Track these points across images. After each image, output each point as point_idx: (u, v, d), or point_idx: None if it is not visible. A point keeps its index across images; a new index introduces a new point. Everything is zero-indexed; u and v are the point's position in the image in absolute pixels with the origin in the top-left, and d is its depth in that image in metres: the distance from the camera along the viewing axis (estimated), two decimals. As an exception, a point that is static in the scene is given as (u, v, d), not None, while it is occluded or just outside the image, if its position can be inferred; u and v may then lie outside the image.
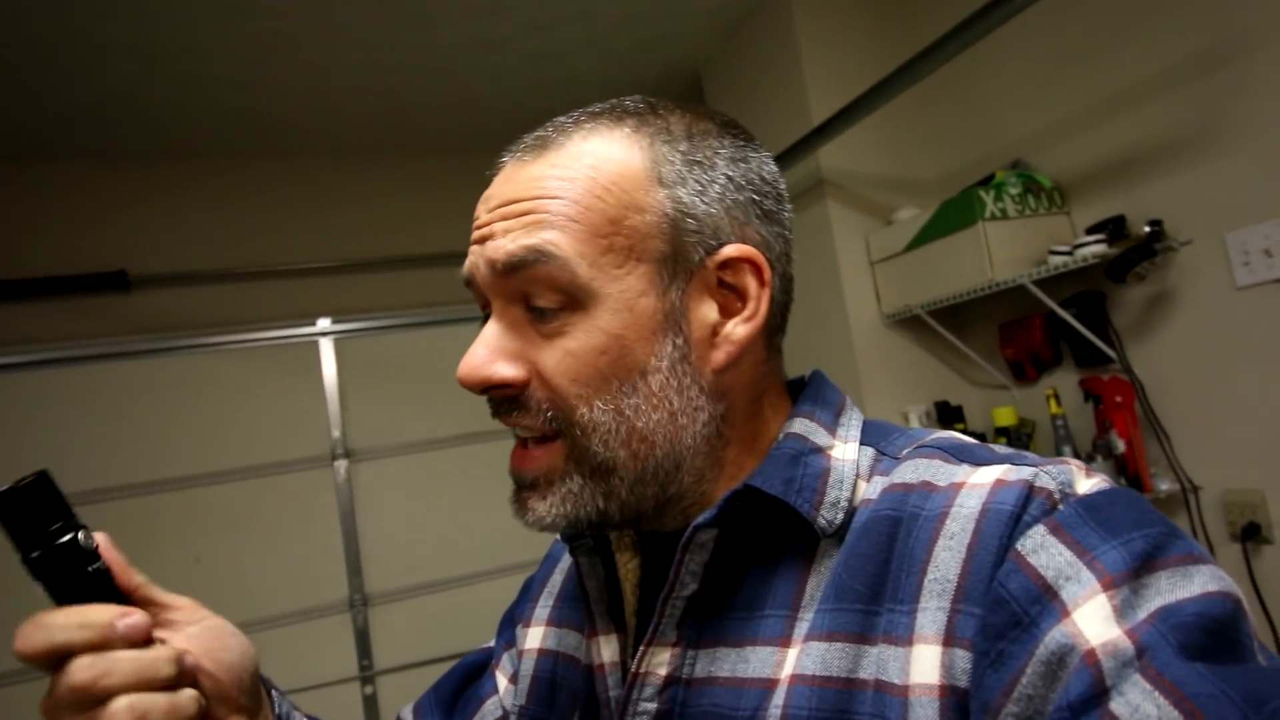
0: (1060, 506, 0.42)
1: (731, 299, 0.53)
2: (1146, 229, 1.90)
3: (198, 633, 0.53)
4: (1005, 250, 2.12)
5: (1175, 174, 1.91)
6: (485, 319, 0.52)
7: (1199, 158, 1.85)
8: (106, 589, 0.48)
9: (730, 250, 0.52)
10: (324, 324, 2.99)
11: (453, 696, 0.73)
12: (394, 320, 3.09)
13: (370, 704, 2.89)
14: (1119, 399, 2.07)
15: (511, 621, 0.72)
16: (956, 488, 0.45)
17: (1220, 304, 1.84)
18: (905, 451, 0.51)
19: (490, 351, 0.50)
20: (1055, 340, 2.25)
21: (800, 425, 0.53)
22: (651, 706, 0.49)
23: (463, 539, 3.07)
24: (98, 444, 2.72)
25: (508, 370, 0.49)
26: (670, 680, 0.49)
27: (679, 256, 0.50)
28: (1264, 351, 1.77)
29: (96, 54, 2.28)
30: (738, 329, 0.52)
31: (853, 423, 0.55)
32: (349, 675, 2.87)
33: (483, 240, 0.50)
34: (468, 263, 0.52)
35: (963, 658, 0.40)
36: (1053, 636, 0.37)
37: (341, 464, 2.96)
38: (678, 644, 0.50)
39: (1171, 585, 0.38)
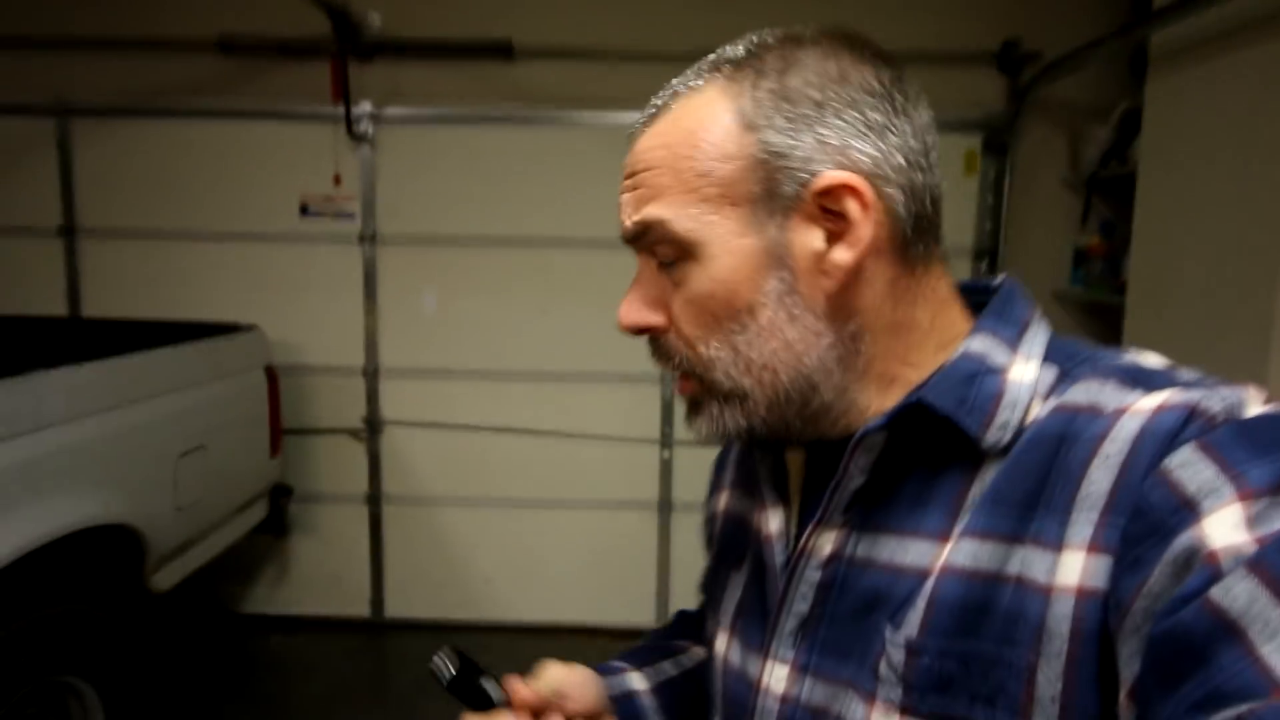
0: (1218, 428, 0.43)
1: (841, 224, 0.53)
2: None
3: (578, 698, 0.65)
4: None
5: None
6: None
7: None
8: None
9: (825, 179, 0.51)
10: (673, 110, 3.04)
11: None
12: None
13: (666, 468, 3.24)
14: None
15: (714, 473, 0.80)
16: (1121, 413, 0.46)
17: None
18: (1084, 372, 0.51)
19: (634, 301, 0.58)
20: None
21: (979, 343, 0.54)
22: (816, 576, 0.55)
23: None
24: (471, 198, 3.13)
25: (652, 317, 0.57)
26: (834, 557, 0.55)
27: (772, 194, 0.52)
28: None
29: None
30: (841, 255, 0.52)
31: (1037, 340, 0.55)
32: (653, 438, 3.22)
33: (620, 206, 0.57)
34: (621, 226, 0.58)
35: (1104, 564, 0.43)
36: (1181, 541, 0.40)
37: (670, 250, 3.13)
38: (844, 527, 0.55)
39: None
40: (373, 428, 3.20)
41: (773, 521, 0.61)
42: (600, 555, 3.28)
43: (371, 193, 3.11)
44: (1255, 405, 0.44)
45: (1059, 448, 0.47)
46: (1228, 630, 0.36)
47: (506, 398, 3.19)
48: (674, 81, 0.57)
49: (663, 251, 0.55)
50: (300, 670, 2.96)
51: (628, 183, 0.56)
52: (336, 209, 3.10)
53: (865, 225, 0.52)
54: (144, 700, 2.23)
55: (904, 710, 0.48)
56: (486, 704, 0.61)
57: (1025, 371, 0.52)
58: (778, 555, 0.59)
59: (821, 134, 0.51)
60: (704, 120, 0.53)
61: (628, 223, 0.56)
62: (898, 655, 0.49)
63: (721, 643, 0.63)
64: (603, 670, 0.74)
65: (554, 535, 3.27)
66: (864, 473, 0.54)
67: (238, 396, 2.68)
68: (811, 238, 0.52)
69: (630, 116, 2.86)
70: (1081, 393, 0.49)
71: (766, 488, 0.62)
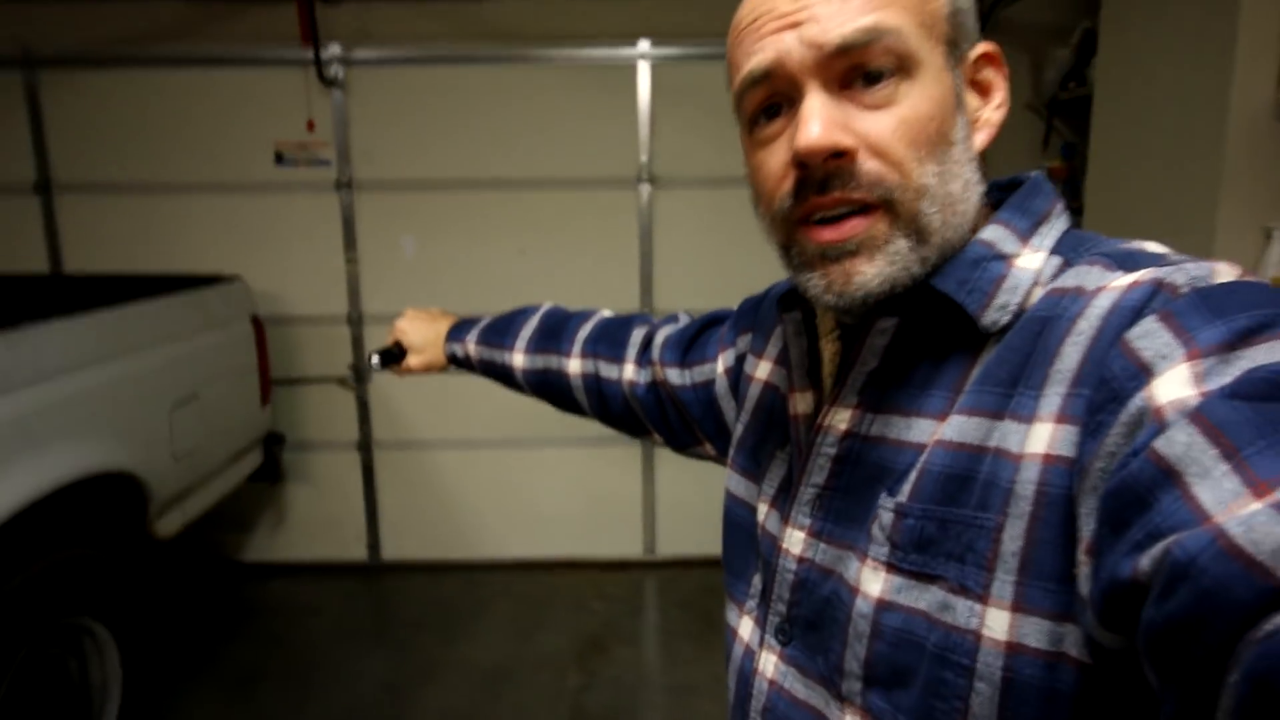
0: (1180, 298, 0.44)
1: (978, 92, 0.58)
2: None
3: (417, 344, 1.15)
4: None
5: None
6: (767, 113, 0.56)
7: None
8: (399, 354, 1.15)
9: (983, 46, 0.57)
10: (644, 46, 3.05)
11: (691, 340, 0.90)
12: (712, 48, 3.05)
13: (648, 402, 3.32)
14: None
15: (748, 322, 0.82)
16: (1098, 291, 0.49)
17: None
18: (1082, 259, 0.53)
19: (828, 122, 0.51)
20: None
21: (992, 232, 0.56)
22: (832, 451, 0.60)
23: (744, 276, 3.21)
24: (446, 141, 3.13)
25: (847, 138, 0.52)
26: (848, 434, 0.59)
27: (955, 44, 0.55)
28: None
29: None
30: (994, 114, 0.58)
31: (1050, 232, 0.57)
32: (633, 374, 3.29)
33: (795, 25, 0.52)
34: (771, 52, 0.53)
35: (1070, 432, 0.46)
36: (1135, 402, 0.41)
37: (645, 188, 3.16)
38: (858, 407, 0.59)
39: (1269, 353, 0.39)
40: (360, 375, 3.24)
41: (800, 404, 0.65)
42: (588, 491, 3.38)
43: (345, 138, 3.09)
44: (1224, 276, 0.45)
45: (1043, 328, 0.50)
46: (1167, 475, 0.37)
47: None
48: None
49: (880, 62, 0.52)
50: (300, 612, 3.05)
51: None
52: (311, 156, 3.09)
53: (1006, 92, 0.58)
54: (154, 640, 2.29)
55: (889, 567, 0.53)
56: (399, 358, 1.13)
57: (1032, 260, 0.55)
58: (803, 434, 0.64)
59: (971, 6, 0.57)
60: None
61: (846, 29, 0.51)
62: (887, 518, 0.53)
63: (762, 512, 0.67)
64: (453, 335, 1.12)
65: (543, 473, 3.35)
66: (877, 356, 0.58)
67: (226, 346, 2.71)
68: (969, 95, 0.57)
69: (602, 52, 2.88)
70: (1073, 276, 0.52)
71: (798, 372, 0.66)
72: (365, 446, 3.30)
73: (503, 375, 1.08)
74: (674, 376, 0.89)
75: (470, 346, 1.09)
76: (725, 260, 3.21)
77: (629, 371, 0.94)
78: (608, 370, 0.96)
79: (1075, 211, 2.65)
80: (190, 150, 3.08)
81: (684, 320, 0.95)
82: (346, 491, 3.33)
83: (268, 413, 2.96)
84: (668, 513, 3.40)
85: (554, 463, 3.35)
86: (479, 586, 3.21)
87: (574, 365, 0.99)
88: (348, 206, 3.14)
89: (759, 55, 0.54)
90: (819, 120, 0.51)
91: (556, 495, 3.37)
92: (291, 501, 3.35)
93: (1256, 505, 0.33)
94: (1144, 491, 0.38)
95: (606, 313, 1.04)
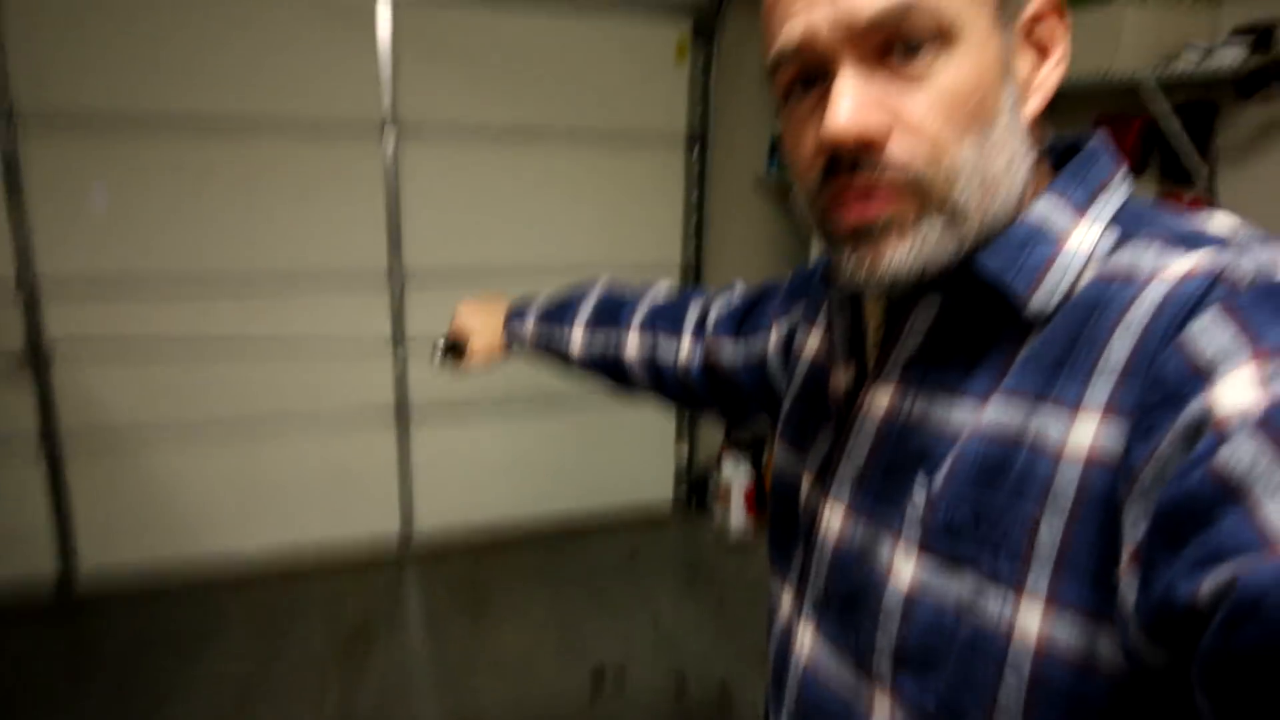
0: (1245, 291, 0.41)
1: (1035, 49, 0.53)
2: (1298, 46, 1.77)
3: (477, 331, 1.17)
4: (1136, 38, 1.97)
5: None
6: (804, 83, 0.52)
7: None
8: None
9: (1040, 1, 0.52)
10: (384, -16, 2.77)
11: (746, 311, 0.90)
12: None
13: (402, 371, 3.10)
14: (1191, 220, 2.05)
15: (802, 292, 0.81)
16: (1152, 278, 0.46)
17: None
18: (1140, 235, 0.50)
19: (862, 102, 0.48)
20: (1148, 149, 2.18)
21: (1044, 205, 0.53)
22: (874, 428, 0.58)
23: (502, 236, 3.11)
24: (141, 67, 2.60)
25: (879, 120, 0.48)
26: (891, 412, 0.57)
27: (1006, 2, 0.50)
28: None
29: None
30: (1050, 75, 0.53)
31: (1110, 203, 0.53)
32: (384, 337, 3.05)
33: None
34: (801, 26, 0.49)
35: (1117, 429, 0.44)
36: (1193, 407, 0.38)
37: (390, 131, 2.88)
38: (901, 384, 0.57)
39: None
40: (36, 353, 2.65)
41: (842, 378, 0.64)
42: (335, 470, 3.10)
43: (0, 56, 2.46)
44: None
45: (1090, 314, 0.48)
46: (1231, 492, 0.34)
47: (211, 308, 2.81)
48: None
49: (916, 33, 0.47)
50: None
51: None
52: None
53: (1067, 49, 0.52)
54: None
55: (921, 549, 0.52)
56: (460, 351, 1.17)
57: (1086, 236, 0.51)
58: (843, 408, 0.62)
59: None
60: None
61: (879, 1, 0.47)
62: (920, 500, 0.52)
63: (805, 487, 0.66)
64: (513, 319, 1.13)
65: (282, 455, 3.01)
66: (920, 335, 0.56)
67: None
68: (1023, 58, 0.52)
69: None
70: (1126, 256, 0.49)
71: (841, 345, 0.64)
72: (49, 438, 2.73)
73: (559, 357, 1.10)
74: (728, 349, 0.90)
75: (528, 330, 1.12)
76: (480, 217, 3.07)
77: (684, 352, 0.96)
78: (664, 352, 0.98)
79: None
80: None
81: (739, 288, 0.96)
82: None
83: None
84: (426, 483, 3.24)
85: (294, 442, 3.01)
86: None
87: (630, 350, 1.01)
88: (8, 146, 2.51)
89: (788, 29, 0.50)
90: (849, 102, 0.48)
91: (298, 478, 3.04)
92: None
93: None
94: (1203, 509, 0.35)
95: (663, 288, 1.05)
